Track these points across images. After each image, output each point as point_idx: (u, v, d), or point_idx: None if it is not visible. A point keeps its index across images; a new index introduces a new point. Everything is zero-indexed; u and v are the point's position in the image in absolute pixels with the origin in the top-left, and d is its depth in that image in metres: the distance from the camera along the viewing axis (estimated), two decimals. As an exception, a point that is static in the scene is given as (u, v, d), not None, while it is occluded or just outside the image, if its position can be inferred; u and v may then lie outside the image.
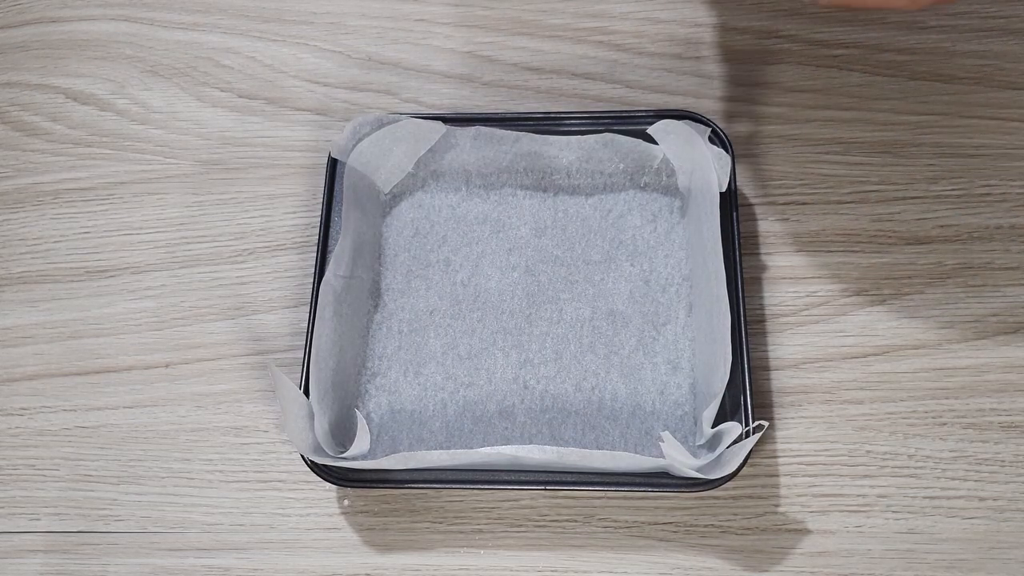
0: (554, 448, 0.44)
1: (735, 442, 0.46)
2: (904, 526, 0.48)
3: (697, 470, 0.45)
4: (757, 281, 0.54)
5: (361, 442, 0.47)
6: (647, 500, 0.49)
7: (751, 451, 0.45)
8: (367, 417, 0.51)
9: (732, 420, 0.47)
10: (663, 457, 0.45)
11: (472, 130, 0.55)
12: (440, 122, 0.55)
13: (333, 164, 0.55)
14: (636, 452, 0.49)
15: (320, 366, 0.48)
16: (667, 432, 0.45)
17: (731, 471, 0.45)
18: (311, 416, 0.47)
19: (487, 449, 0.45)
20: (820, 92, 0.60)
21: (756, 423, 0.47)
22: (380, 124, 0.55)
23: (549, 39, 0.63)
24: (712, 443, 0.47)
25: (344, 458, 0.47)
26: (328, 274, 0.50)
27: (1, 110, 0.63)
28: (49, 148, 0.62)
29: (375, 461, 0.46)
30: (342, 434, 0.50)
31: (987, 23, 0.61)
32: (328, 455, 0.47)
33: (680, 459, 0.45)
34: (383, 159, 0.55)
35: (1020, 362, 0.51)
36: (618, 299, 0.53)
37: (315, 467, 0.48)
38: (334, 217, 0.54)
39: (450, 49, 0.63)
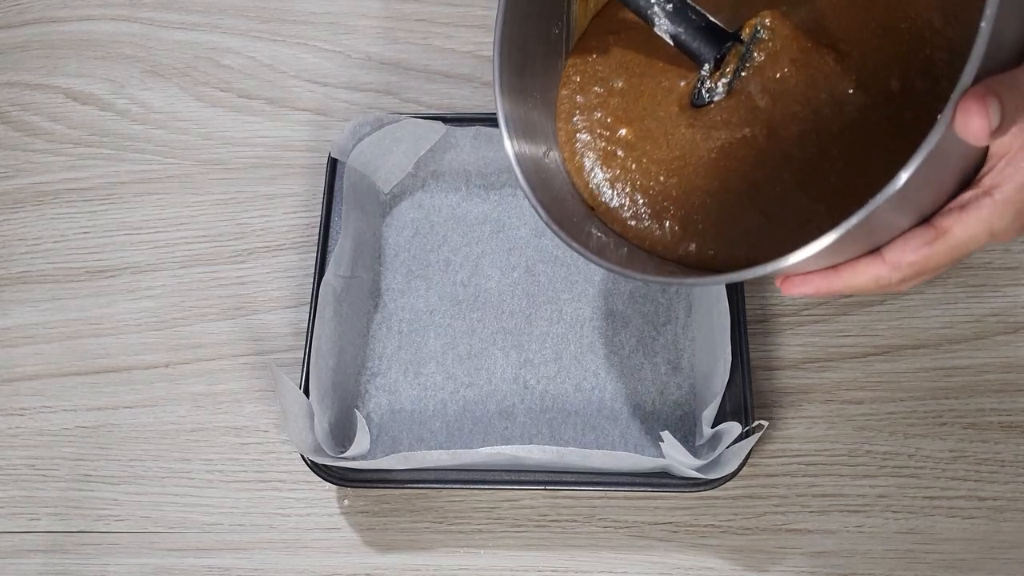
0: (554, 448, 0.44)
1: (735, 442, 0.46)
2: (904, 526, 0.48)
3: (697, 470, 0.45)
4: (757, 281, 0.54)
5: (361, 442, 0.47)
6: (647, 500, 0.49)
7: (751, 451, 0.45)
8: (367, 417, 0.51)
9: (732, 420, 0.46)
10: (663, 457, 0.45)
11: (472, 130, 0.55)
12: (440, 122, 0.55)
13: (333, 164, 0.55)
14: (636, 452, 0.49)
15: (320, 366, 0.48)
16: (667, 432, 0.45)
17: (731, 471, 0.45)
18: (311, 416, 0.47)
19: (488, 449, 0.45)
20: (820, 92, 0.60)
21: (755, 423, 0.47)
22: (380, 124, 0.55)
23: (549, 39, 0.63)
24: (712, 443, 0.47)
25: (344, 458, 0.47)
26: (328, 274, 0.50)
27: (1, 110, 0.63)
28: (49, 148, 0.62)
29: (375, 461, 0.46)
30: (342, 434, 0.50)
31: (987, 23, 0.61)
32: (328, 455, 0.47)
33: (680, 459, 0.45)
34: (383, 159, 0.55)
35: (1020, 362, 0.51)
36: (618, 299, 0.53)
37: (315, 467, 0.48)
38: (334, 217, 0.54)
39: (450, 49, 0.63)
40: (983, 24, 0.29)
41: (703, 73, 0.41)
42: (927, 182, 0.32)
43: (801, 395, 0.51)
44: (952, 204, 0.33)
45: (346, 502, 0.50)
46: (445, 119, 0.55)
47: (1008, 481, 0.49)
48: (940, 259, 0.34)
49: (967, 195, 0.33)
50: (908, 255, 0.34)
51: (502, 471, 0.48)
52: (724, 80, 0.41)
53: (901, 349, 0.52)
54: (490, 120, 0.56)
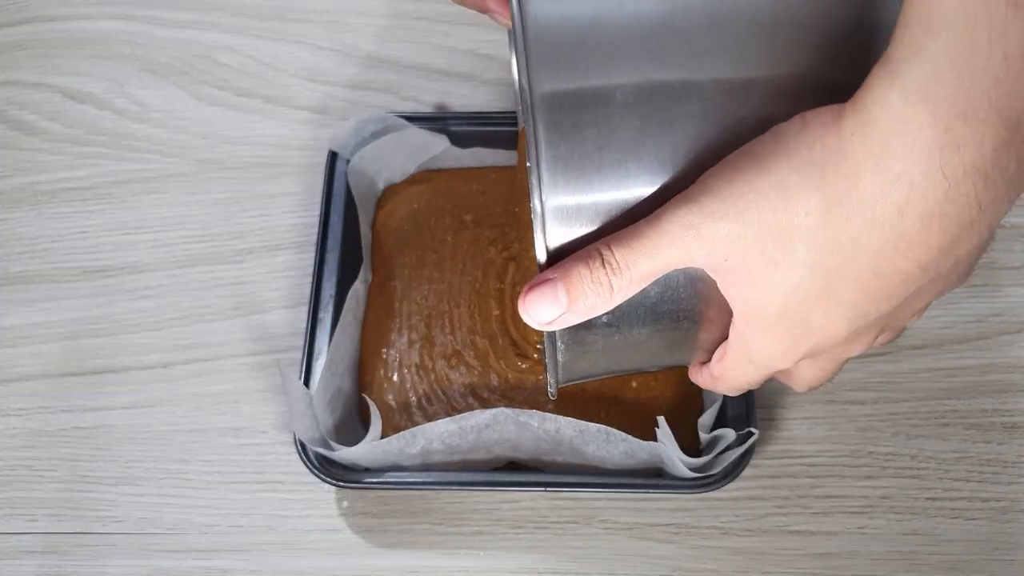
0: (553, 416, 0.44)
1: (728, 448, 0.45)
2: (907, 527, 0.48)
3: (692, 468, 0.45)
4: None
5: (375, 429, 0.46)
6: (648, 501, 0.49)
7: (753, 454, 0.45)
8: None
9: (735, 421, 0.46)
10: (658, 449, 0.44)
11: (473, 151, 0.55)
12: (444, 136, 0.54)
13: (332, 162, 0.55)
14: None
15: (331, 371, 0.48)
16: (661, 417, 0.44)
17: (719, 469, 0.45)
18: (316, 416, 0.47)
19: (492, 411, 0.44)
20: (822, 90, 0.59)
21: (745, 430, 0.46)
22: (382, 122, 0.54)
23: (549, 37, 0.63)
24: (710, 447, 0.47)
25: (357, 445, 0.46)
26: (357, 281, 0.51)
27: (-2, 109, 0.63)
28: (47, 147, 0.61)
29: (383, 441, 0.45)
30: (345, 437, 0.49)
31: (990, 21, 0.61)
32: (337, 450, 0.46)
33: (671, 446, 0.44)
34: (384, 162, 0.55)
35: (1023, 362, 0.51)
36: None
37: (314, 468, 0.47)
38: (333, 216, 0.54)
39: (450, 47, 0.63)
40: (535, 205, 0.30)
41: None
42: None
43: (803, 396, 0.51)
44: None
45: (345, 503, 0.50)
46: (446, 118, 0.55)
47: (1011, 482, 0.49)
48: (737, 372, 0.36)
49: None
50: (713, 367, 0.37)
51: (502, 471, 0.48)
52: None
53: (903, 349, 0.52)
54: (490, 120, 0.55)
